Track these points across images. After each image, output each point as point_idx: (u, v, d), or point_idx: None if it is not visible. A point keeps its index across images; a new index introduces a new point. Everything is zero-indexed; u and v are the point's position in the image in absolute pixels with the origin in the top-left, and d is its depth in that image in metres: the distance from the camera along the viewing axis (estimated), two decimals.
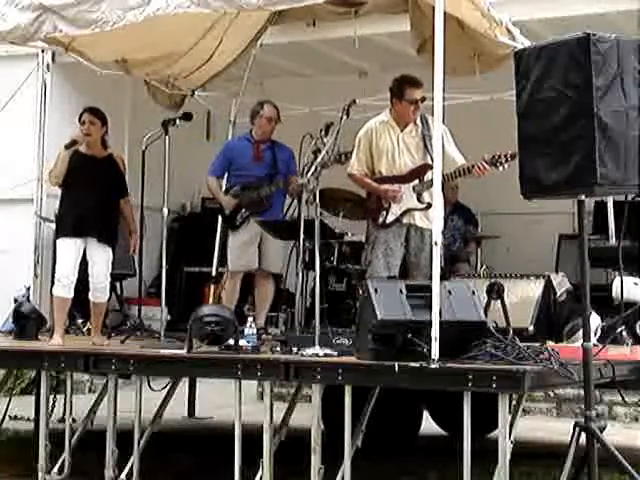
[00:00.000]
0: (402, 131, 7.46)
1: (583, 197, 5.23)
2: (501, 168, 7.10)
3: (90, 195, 7.32)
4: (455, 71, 7.39)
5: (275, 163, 8.25)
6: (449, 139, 7.36)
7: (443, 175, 7.15)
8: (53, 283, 7.47)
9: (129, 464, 6.41)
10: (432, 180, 7.01)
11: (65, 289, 7.28)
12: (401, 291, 5.78)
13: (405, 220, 7.42)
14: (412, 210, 7.38)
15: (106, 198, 7.38)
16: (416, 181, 7.43)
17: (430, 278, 6.99)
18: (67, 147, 7.48)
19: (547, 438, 8.28)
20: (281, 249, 8.08)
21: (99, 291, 7.31)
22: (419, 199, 7.39)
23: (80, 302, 7.63)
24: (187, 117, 7.81)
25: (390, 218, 7.42)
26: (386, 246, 7.44)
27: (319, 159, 6.60)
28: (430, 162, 7.24)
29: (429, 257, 6.87)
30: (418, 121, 7.44)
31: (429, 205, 7.26)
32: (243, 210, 8.22)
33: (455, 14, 6.55)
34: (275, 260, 8.17)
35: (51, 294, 7.57)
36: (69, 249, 7.29)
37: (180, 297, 10.77)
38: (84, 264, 7.32)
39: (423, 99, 7.27)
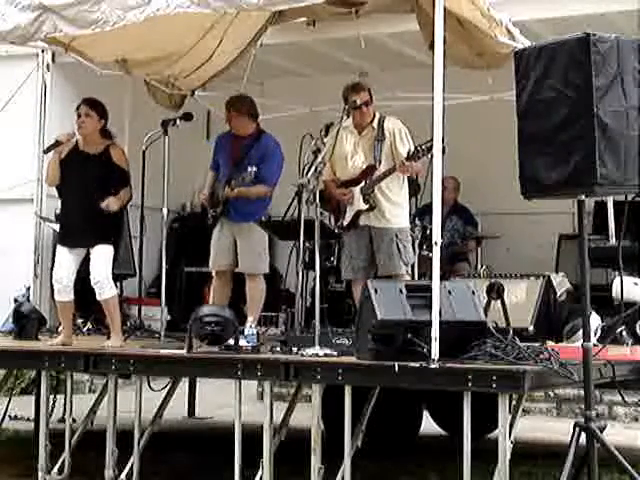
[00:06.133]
0: (360, 134, 7.64)
1: (583, 197, 5.23)
2: (420, 162, 7.26)
3: (82, 198, 7.13)
4: (470, 64, 7.45)
5: (246, 161, 7.88)
6: (404, 140, 7.52)
7: (380, 175, 7.50)
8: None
9: (129, 464, 6.41)
10: (375, 179, 7.48)
11: (61, 293, 7.20)
12: (401, 291, 5.78)
13: (362, 223, 7.59)
14: (361, 212, 7.57)
15: (99, 197, 7.11)
16: (363, 182, 7.59)
17: (389, 276, 7.35)
18: (46, 151, 7.37)
19: (547, 438, 8.27)
20: (258, 249, 7.88)
21: (96, 287, 7.09)
22: (366, 200, 7.53)
23: (80, 302, 7.61)
24: (187, 117, 7.80)
25: (345, 222, 7.66)
26: (349, 249, 7.69)
27: (319, 159, 6.61)
28: (374, 163, 7.51)
29: (387, 253, 7.43)
30: (375, 123, 7.60)
31: (372, 207, 7.50)
32: (211, 210, 8.11)
33: (454, 10, 6.54)
34: (248, 261, 7.90)
35: (52, 295, 7.55)
36: (62, 255, 7.21)
37: (180, 297, 10.78)
38: (84, 264, 7.25)
39: (367, 102, 7.49)
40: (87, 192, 7.13)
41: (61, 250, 7.25)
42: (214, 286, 8.11)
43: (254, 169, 7.67)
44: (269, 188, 7.89)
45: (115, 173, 7.23)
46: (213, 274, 8.15)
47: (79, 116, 7.26)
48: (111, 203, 7.08)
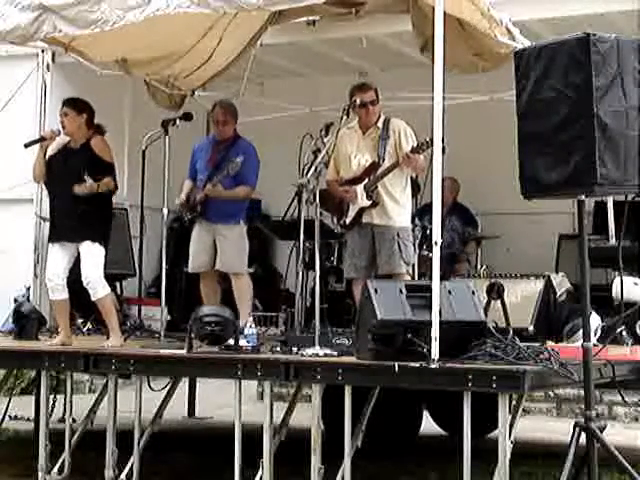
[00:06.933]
0: (364, 134, 7.65)
1: (583, 197, 5.24)
2: (422, 157, 7.26)
3: (65, 192, 7.14)
4: (458, 68, 7.45)
5: (224, 163, 7.90)
6: (408, 138, 7.52)
7: (381, 173, 7.49)
8: None
9: (129, 464, 6.41)
10: (379, 175, 7.47)
11: (54, 292, 7.22)
12: (401, 291, 5.78)
13: (365, 220, 7.58)
14: (364, 209, 7.55)
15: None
16: (366, 180, 7.58)
17: (390, 275, 7.32)
18: (26, 145, 7.40)
19: (547, 438, 8.28)
20: (237, 248, 7.94)
21: (89, 288, 7.09)
22: (369, 196, 7.53)
23: (80, 303, 7.61)
24: (187, 117, 7.80)
25: (348, 220, 7.65)
26: (352, 248, 7.69)
27: (319, 159, 6.61)
28: (377, 160, 7.52)
29: (387, 251, 7.42)
30: (380, 123, 7.61)
31: (375, 203, 7.48)
32: (187, 214, 8.12)
33: (455, 14, 6.55)
34: (228, 260, 7.94)
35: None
36: (52, 252, 7.23)
37: (180, 297, 10.76)
38: (77, 265, 7.23)
39: (374, 101, 7.53)
40: (69, 186, 7.13)
41: (51, 248, 7.29)
42: (201, 287, 8.14)
43: (241, 158, 7.68)
44: (249, 189, 7.94)
45: (97, 164, 7.22)
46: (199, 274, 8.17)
47: (60, 117, 7.34)
48: (76, 188, 7.06)
